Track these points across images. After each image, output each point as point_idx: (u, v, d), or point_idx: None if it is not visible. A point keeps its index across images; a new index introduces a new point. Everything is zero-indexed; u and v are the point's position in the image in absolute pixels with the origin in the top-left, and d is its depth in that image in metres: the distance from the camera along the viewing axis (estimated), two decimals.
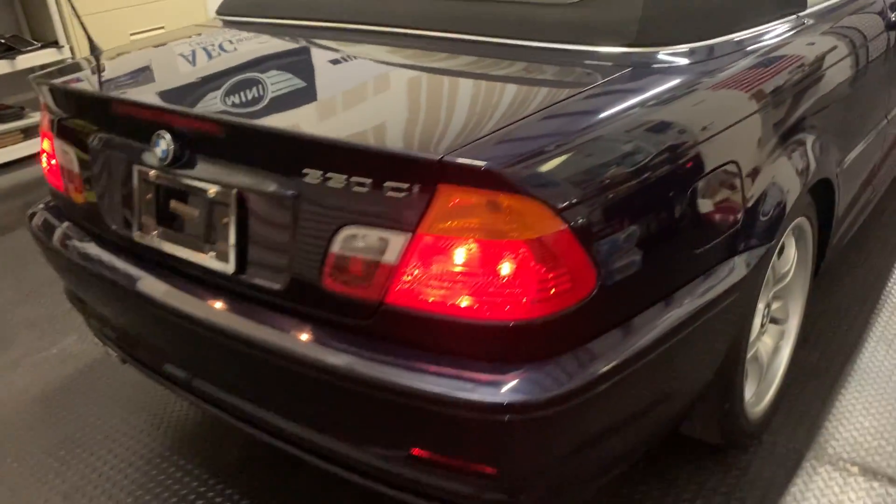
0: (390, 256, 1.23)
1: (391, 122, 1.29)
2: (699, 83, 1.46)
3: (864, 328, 2.35)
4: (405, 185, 1.19)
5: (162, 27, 4.77)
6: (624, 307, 1.31)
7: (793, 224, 1.79)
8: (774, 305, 1.92)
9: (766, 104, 1.58)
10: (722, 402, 1.66)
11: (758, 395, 1.90)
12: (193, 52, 1.81)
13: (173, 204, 1.53)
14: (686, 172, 1.38)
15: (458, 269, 1.20)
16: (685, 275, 1.42)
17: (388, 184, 1.20)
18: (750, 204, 1.54)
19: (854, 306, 2.45)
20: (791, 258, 1.89)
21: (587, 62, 1.48)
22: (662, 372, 1.40)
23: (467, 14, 1.66)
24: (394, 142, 1.23)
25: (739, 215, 1.51)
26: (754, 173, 1.55)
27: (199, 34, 1.96)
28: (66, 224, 1.83)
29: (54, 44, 4.39)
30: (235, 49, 1.79)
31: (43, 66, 4.16)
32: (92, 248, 1.72)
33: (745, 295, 1.55)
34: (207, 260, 1.47)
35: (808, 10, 1.84)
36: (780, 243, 1.74)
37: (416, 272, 1.22)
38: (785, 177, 1.63)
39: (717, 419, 1.69)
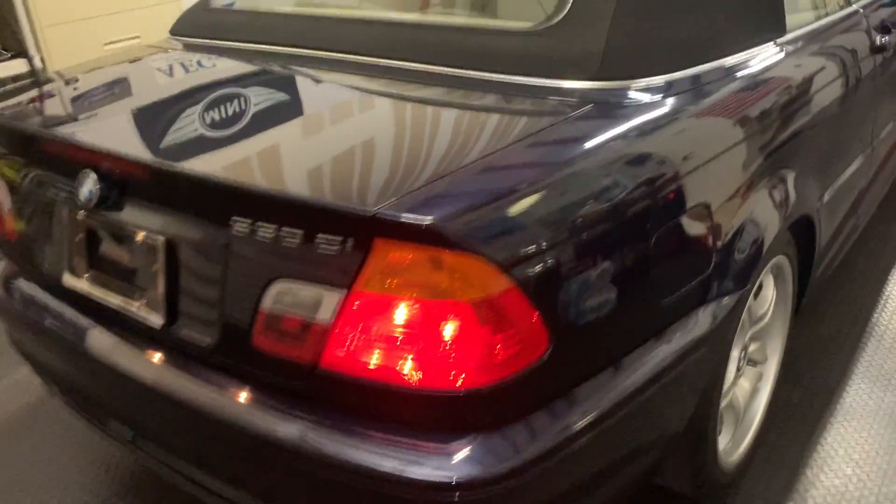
0: (324, 315, 1.13)
1: (327, 167, 1.19)
2: (666, 121, 1.36)
3: (848, 363, 2.25)
4: (338, 240, 1.08)
5: (137, 37, 4.66)
6: (582, 368, 1.21)
7: (770, 264, 1.69)
8: (752, 347, 1.82)
9: (738, 141, 1.48)
10: (693, 455, 1.56)
11: (734, 441, 1.80)
12: (133, 81, 1.70)
13: (103, 247, 1.42)
14: (650, 220, 1.28)
15: (396, 331, 1.10)
16: (649, 329, 1.32)
17: (319, 237, 1.10)
18: (721, 249, 1.44)
19: (838, 339, 2.35)
20: (769, 298, 1.80)
21: (545, 98, 1.37)
22: (626, 433, 1.30)
23: (421, 42, 1.55)
24: (325, 192, 1.13)
25: (710, 262, 1.42)
26: (726, 216, 1.45)
27: (145, 58, 1.86)
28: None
29: (23, 54, 4.28)
30: (177, 78, 1.68)
31: (15, 78, 4.04)
32: (25, 289, 1.62)
33: (716, 346, 1.45)
34: (137, 309, 1.36)
35: (787, 37, 1.74)
36: (757, 285, 1.65)
37: (352, 333, 1.12)
38: (760, 217, 1.53)
39: (688, 472, 1.59)
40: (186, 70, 1.71)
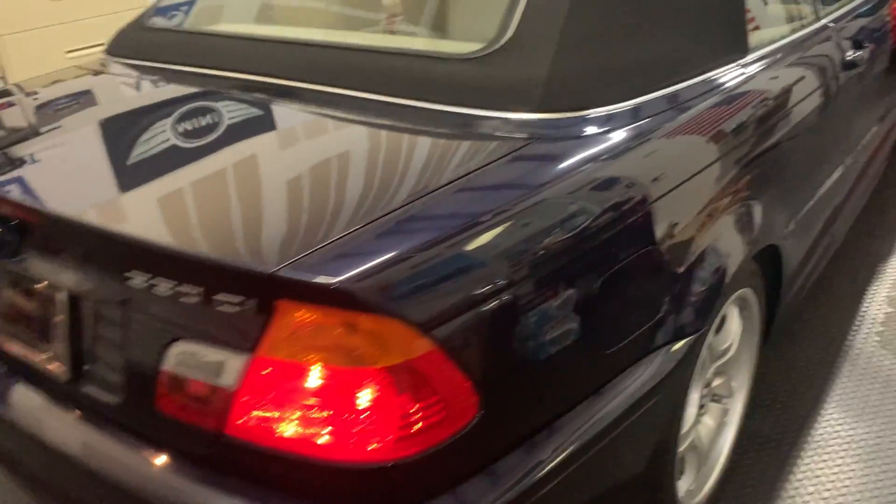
0: (228, 380, 1.03)
1: (230, 217, 1.08)
2: (615, 155, 1.26)
3: (821, 390, 2.16)
4: (238, 300, 0.98)
5: (101, 44, 4.54)
6: (517, 431, 1.11)
7: (734, 297, 1.60)
8: (716, 383, 1.73)
9: (695, 173, 1.38)
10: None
11: (698, 482, 1.71)
12: (49, 111, 1.59)
13: (8, 296, 1.31)
14: (594, 267, 1.18)
15: (306, 399, 1.00)
16: (594, 382, 1.22)
17: (220, 297, 1.00)
18: (675, 290, 1.34)
19: (810, 365, 2.26)
20: (733, 332, 1.70)
21: (481, 131, 1.27)
22: (570, 495, 1.21)
23: (355, 66, 1.44)
24: (223, 247, 1.02)
25: (661, 306, 1.32)
26: (680, 255, 1.35)
27: (68, 82, 1.74)
28: None
29: None
30: (95, 110, 1.56)
31: None
32: None
33: (670, 394, 1.35)
34: (43, 362, 1.26)
35: (750, 57, 1.65)
36: (720, 319, 1.55)
37: (258, 400, 1.02)
38: (718, 252, 1.44)
39: None
40: (106, 100, 1.60)
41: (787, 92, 1.71)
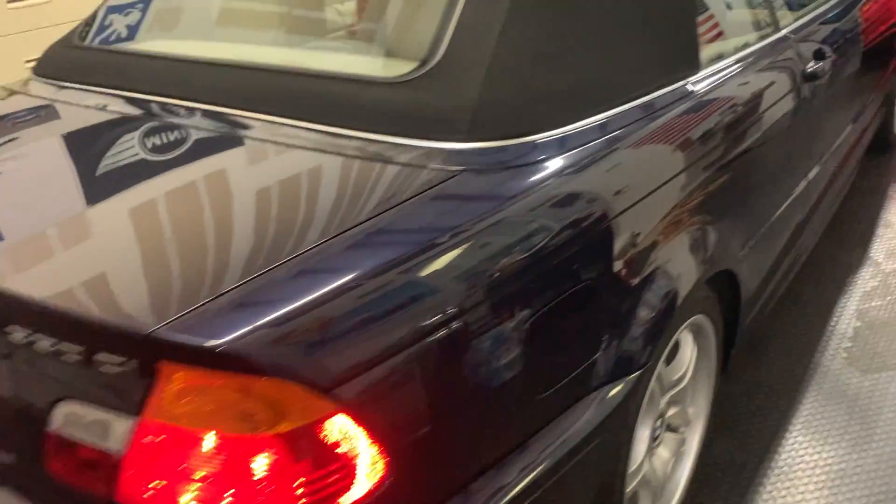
0: (114, 444, 0.94)
1: (114, 267, 1.00)
2: (549, 186, 1.18)
3: (786, 412, 2.09)
4: (120, 361, 0.90)
5: None
6: (434, 495, 1.03)
7: (685, 325, 1.52)
8: (671, 412, 1.66)
9: (638, 202, 1.31)
10: None
11: None
12: None
13: None
14: (524, 306, 1.10)
15: (198, 468, 0.91)
16: (523, 433, 1.14)
17: (102, 356, 0.91)
18: (615, 325, 1.27)
19: (776, 384, 2.19)
20: (687, 359, 1.63)
21: (405, 162, 1.19)
22: None
23: (278, 90, 1.35)
24: (101, 302, 0.94)
25: (600, 342, 1.25)
26: (621, 288, 1.28)
27: None
28: None
29: None
30: (6, 139, 1.47)
31: None
32: None
33: (612, 436, 1.28)
34: None
35: (701, 73, 1.57)
36: (668, 350, 1.48)
37: (147, 467, 0.93)
38: (663, 283, 1.36)
39: None
40: (20, 126, 1.51)
41: (740, 109, 1.63)
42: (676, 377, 1.61)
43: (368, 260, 0.98)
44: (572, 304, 1.19)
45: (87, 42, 1.73)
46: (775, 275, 1.99)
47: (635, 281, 1.30)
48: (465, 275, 1.04)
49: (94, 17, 1.83)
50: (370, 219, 1.04)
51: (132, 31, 1.78)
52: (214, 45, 1.68)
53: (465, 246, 1.05)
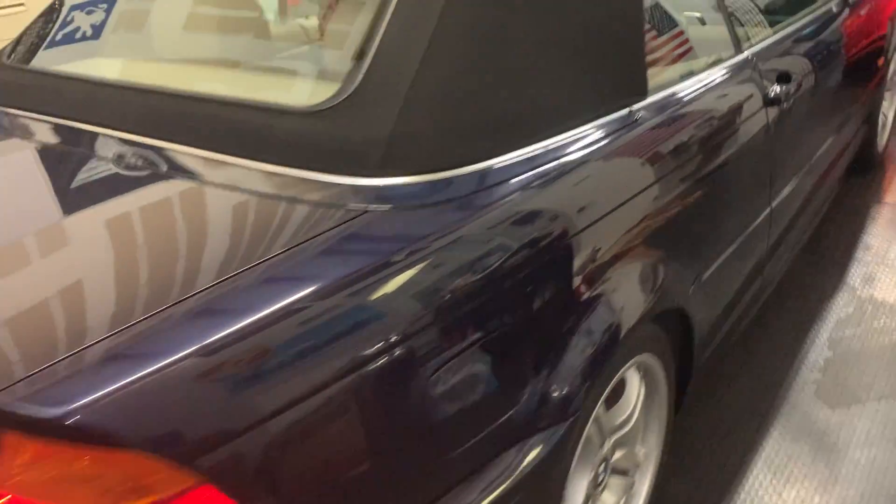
0: None
1: None
2: (465, 226, 1.10)
3: (749, 449, 2.01)
4: None
5: None
6: None
7: (630, 365, 1.44)
8: (617, 455, 1.57)
9: (571, 238, 1.23)
10: None
11: None
12: None
13: None
14: (429, 354, 1.02)
15: None
16: (428, 496, 1.06)
17: None
18: (537, 374, 1.19)
19: (740, 419, 2.10)
20: (633, 401, 1.55)
21: (307, 200, 1.11)
22: None
23: (190, 117, 1.27)
24: None
25: (523, 390, 1.16)
26: (549, 333, 1.20)
27: None
28: None
29: None
30: None
31: None
32: None
33: (539, 489, 1.20)
34: None
35: (647, 101, 1.49)
36: (609, 392, 1.40)
37: None
38: (599, 326, 1.28)
39: None
40: None
41: (689, 137, 1.55)
42: (621, 420, 1.52)
43: (242, 313, 0.89)
44: (492, 350, 1.11)
45: (8, 60, 1.66)
46: (736, 307, 1.91)
47: (564, 326, 1.22)
48: (357, 327, 0.95)
49: (23, 34, 1.76)
50: (247, 268, 0.95)
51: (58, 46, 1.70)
52: (129, 65, 1.60)
53: (357, 298, 0.97)
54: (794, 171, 2.14)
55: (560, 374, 1.21)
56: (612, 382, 1.39)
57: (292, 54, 1.47)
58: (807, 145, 2.27)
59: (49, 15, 1.78)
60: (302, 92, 1.31)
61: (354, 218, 1.05)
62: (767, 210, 1.93)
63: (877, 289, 2.64)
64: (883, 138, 3.62)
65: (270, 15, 1.52)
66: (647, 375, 1.57)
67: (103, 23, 1.70)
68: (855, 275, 2.75)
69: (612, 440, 1.51)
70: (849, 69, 2.70)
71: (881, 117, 3.49)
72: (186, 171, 1.20)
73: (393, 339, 0.97)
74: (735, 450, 2.00)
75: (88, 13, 1.74)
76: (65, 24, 1.73)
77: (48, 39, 1.71)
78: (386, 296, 0.99)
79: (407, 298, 1.01)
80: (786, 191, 2.06)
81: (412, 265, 1.03)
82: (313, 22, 1.47)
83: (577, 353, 1.23)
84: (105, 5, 1.75)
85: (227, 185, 1.16)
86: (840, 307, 2.56)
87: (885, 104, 3.57)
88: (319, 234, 1.02)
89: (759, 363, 2.30)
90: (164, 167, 1.21)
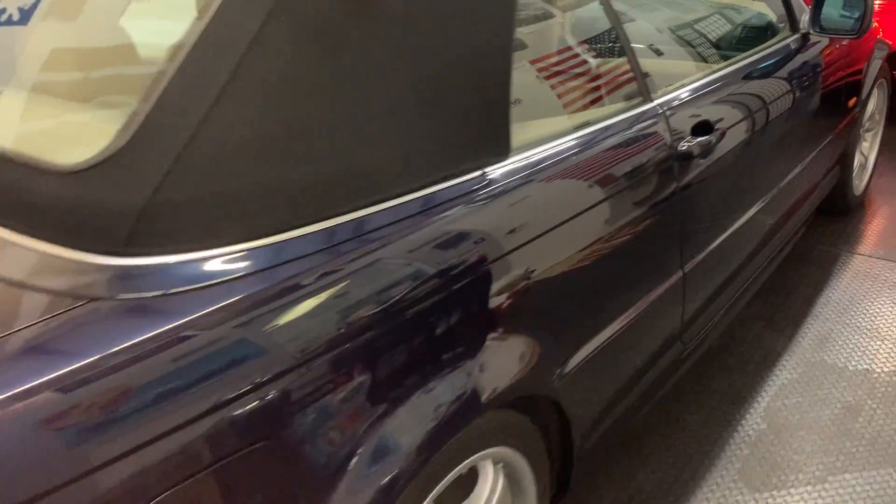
0: None
1: None
2: (241, 318, 0.93)
3: None
4: None
5: None
6: None
7: (466, 463, 1.26)
8: None
9: (377, 325, 1.04)
10: None
11: None
12: None
13: None
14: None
15: None
16: None
17: None
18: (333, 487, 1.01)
19: (651, 501, 1.90)
20: (485, 495, 1.35)
21: (35, 284, 0.94)
22: None
23: None
24: None
25: None
26: (350, 435, 1.02)
27: None
28: None
29: None
30: None
31: None
32: None
33: None
34: None
35: (509, 161, 1.30)
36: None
37: None
38: (410, 423, 1.10)
39: None
40: None
41: (560, 201, 1.36)
42: None
43: None
44: (267, 458, 0.93)
45: None
46: (637, 384, 1.71)
47: (382, 421, 1.04)
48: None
49: None
50: None
51: None
52: None
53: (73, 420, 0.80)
54: (723, 228, 1.94)
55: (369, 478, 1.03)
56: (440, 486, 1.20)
57: (75, 100, 1.30)
58: (744, 196, 2.07)
59: None
60: (71, 148, 1.14)
61: (69, 310, 0.88)
62: (678, 274, 1.73)
63: (828, 351, 2.43)
64: (863, 181, 3.40)
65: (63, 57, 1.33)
66: (507, 469, 1.38)
67: None
68: (809, 333, 2.53)
69: None
70: (811, 110, 2.50)
71: (859, 159, 3.27)
72: None
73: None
74: None
75: None
76: None
77: None
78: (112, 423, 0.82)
79: (148, 419, 0.83)
80: (708, 250, 1.86)
81: (153, 374, 0.85)
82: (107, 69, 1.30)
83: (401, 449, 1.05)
84: None
85: None
86: (785, 370, 2.35)
87: (864, 145, 3.35)
88: (22, 329, 0.85)
89: (686, 433, 2.10)
90: None
